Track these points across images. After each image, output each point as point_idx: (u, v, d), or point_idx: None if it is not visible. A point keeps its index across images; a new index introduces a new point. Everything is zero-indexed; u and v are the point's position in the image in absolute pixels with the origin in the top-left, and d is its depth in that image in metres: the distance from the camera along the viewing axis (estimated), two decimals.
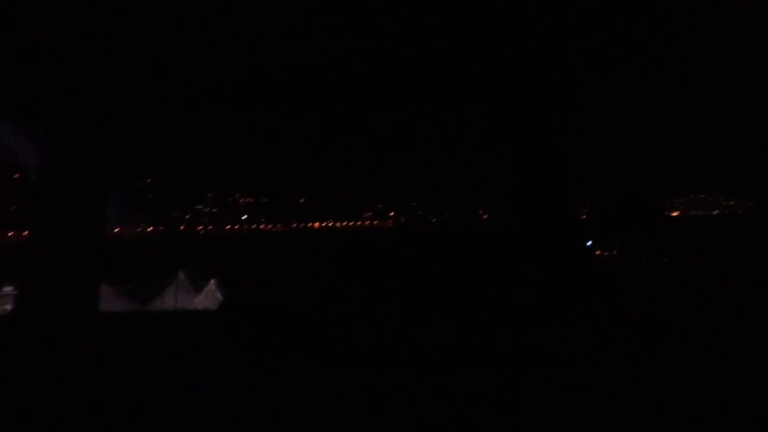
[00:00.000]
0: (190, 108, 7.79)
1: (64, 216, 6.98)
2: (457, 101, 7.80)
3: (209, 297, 14.20)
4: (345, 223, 45.38)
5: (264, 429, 4.53)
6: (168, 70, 6.85)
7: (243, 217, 44.01)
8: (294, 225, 45.11)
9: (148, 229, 39.54)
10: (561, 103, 7.16)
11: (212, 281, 14.22)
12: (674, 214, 31.49)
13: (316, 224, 46.35)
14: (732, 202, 30.92)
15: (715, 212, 31.15)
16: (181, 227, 40.67)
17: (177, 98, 7.65)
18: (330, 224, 45.90)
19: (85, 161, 7.08)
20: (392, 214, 44.02)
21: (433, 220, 42.84)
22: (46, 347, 6.00)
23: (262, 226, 44.54)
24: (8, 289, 13.34)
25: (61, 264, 6.88)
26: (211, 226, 42.26)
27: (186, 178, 41.85)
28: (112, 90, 7.00)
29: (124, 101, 7.22)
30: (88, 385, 5.26)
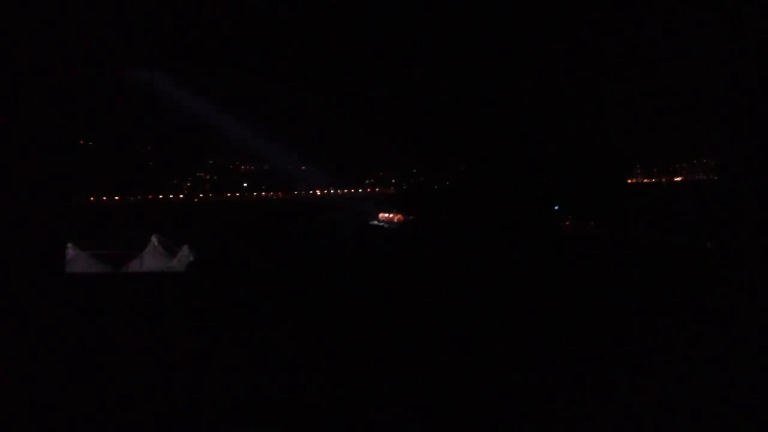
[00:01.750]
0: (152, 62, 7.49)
1: (24, 179, 6.73)
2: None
3: (182, 261, 14.22)
4: (346, 191, 45.14)
5: (233, 388, 4.48)
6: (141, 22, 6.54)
7: (244, 185, 43.88)
8: (295, 193, 44.92)
9: (149, 197, 39.49)
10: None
11: (185, 246, 14.17)
12: (678, 179, 31.09)
13: (318, 192, 46.09)
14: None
15: (717, 177, 30.54)
16: (181, 195, 40.57)
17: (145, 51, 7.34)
18: (331, 192, 45.66)
19: (45, 120, 6.80)
20: (394, 181, 43.69)
21: (435, 187, 42.46)
22: (12, 312, 5.90)
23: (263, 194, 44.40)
24: None
25: (23, 229, 6.67)
26: (211, 194, 42.16)
27: (186, 146, 41.58)
28: (75, 43, 6.68)
29: (89, 55, 6.90)
30: (56, 346, 5.20)
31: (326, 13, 6.29)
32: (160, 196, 39.34)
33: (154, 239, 14.35)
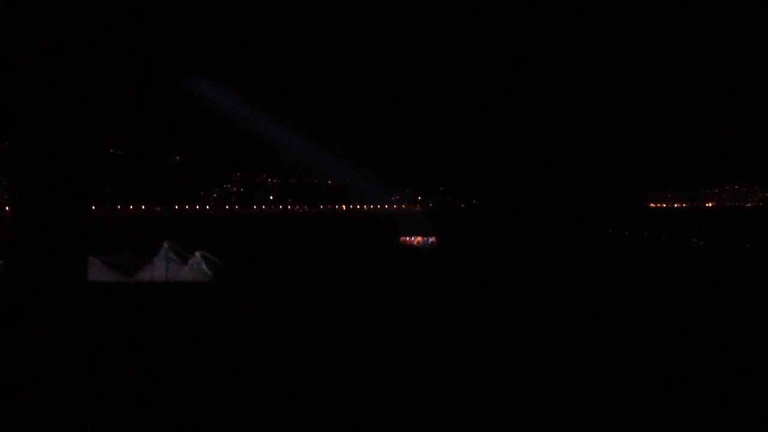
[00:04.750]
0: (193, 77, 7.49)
1: (51, 189, 6.69)
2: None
3: (194, 268, 14.17)
4: (372, 206, 45.03)
5: (252, 397, 4.35)
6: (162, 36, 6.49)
7: (270, 198, 44.05)
8: (321, 206, 44.96)
9: (175, 207, 39.85)
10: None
11: (197, 253, 14.12)
12: (709, 204, 30.65)
13: (344, 206, 46.09)
14: (766, 194, 29.75)
15: (749, 204, 30.04)
16: (208, 206, 40.92)
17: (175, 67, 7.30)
18: (357, 206, 45.62)
19: (72, 131, 6.76)
20: (420, 198, 43.47)
21: (462, 205, 42.18)
22: (34, 320, 5.85)
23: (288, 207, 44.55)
24: None
25: (49, 237, 6.61)
26: (237, 206, 42.39)
27: (214, 158, 41.94)
28: (103, 53, 6.65)
29: (116, 66, 6.85)
30: (74, 355, 5.14)
31: (354, 33, 6.24)
32: (187, 207, 39.66)
33: (165, 245, 14.31)
